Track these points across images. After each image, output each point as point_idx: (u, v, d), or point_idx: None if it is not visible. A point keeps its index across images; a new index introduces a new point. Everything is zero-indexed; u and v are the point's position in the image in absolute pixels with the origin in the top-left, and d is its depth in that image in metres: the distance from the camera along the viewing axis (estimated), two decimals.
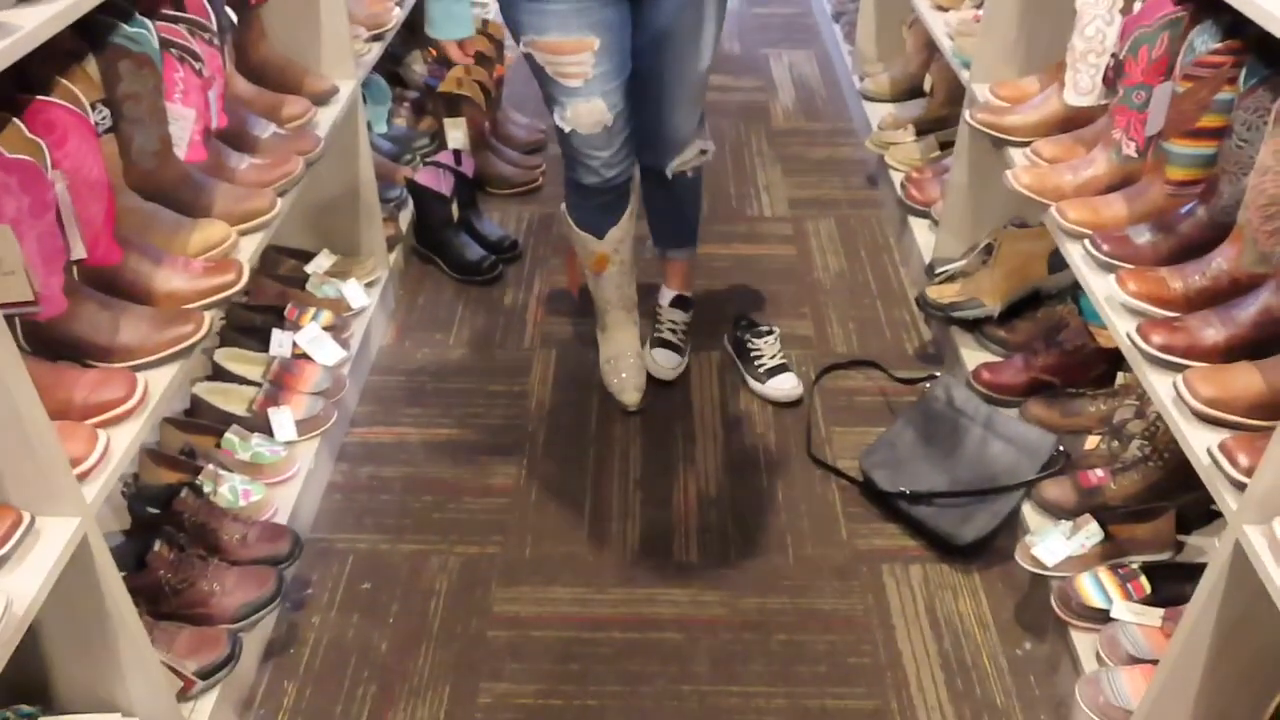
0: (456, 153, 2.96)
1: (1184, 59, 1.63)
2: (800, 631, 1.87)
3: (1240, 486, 1.30)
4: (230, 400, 2.13)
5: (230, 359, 2.20)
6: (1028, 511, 1.98)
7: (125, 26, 1.53)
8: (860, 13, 3.72)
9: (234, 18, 1.99)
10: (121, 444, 1.38)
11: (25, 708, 1.41)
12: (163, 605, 1.68)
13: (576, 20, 1.88)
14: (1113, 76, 1.85)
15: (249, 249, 1.77)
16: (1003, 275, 2.30)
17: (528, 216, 3.13)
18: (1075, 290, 2.20)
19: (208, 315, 1.56)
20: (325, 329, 2.32)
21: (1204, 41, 1.59)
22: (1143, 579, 1.72)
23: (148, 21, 1.56)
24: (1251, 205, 1.45)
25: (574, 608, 1.92)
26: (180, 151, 1.71)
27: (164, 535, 1.70)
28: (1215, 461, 1.34)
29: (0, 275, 1.22)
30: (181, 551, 1.72)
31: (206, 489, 1.90)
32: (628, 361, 2.40)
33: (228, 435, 2.02)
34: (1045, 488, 1.96)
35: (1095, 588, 1.73)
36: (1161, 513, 1.79)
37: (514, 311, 2.72)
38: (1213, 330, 1.49)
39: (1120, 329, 1.60)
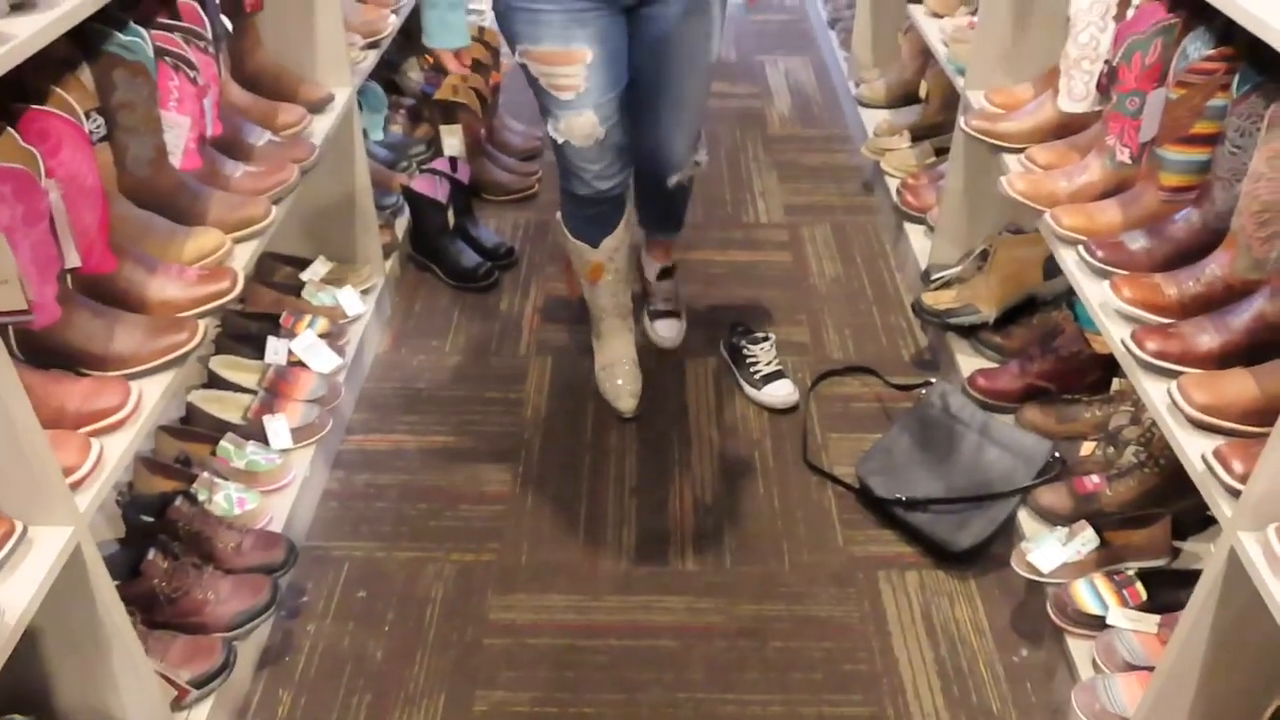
0: (452, 160, 2.97)
1: (1177, 65, 1.63)
2: (796, 638, 1.87)
3: (1235, 493, 1.30)
4: (225, 408, 2.12)
5: (225, 366, 2.20)
6: (1024, 518, 1.98)
7: (120, 35, 1.53)
8: (856, 19, 3.73)
9: (229, 26, 1.99)
10: (115, 453, 1.38)
11: (18, 718, 1.40)
12: (157, 614, 1.67)
13: (571, 32, 1.88)
14: (1106, 83, 1.85)
15: (243, 257, 1.77)
16: (998, 281, 2.30)
17: (524, 223, 3.13)
18: (1070, 296, 2.20)
19: (202, 323, 1.56)
20: (321, 336, 2.32)
21: (1197, 48, 1.59)
22: (1139, 585, 1.72)
23: (142, 30, 1.56)
24: (1245, 211, 1.45)
25: (570, 615, 1.91)
26: (175, 159, 1.71)
27: (158, 544, 1.70)
28: (1210, 468, 1.34)
29: None
30: (176, 560, 1.71)
31: (201, 497, 1.89)
32: (623, 368, 2.40)
33: (223, 443, 2.01)
34: (1041, 494, 1.96)
35: (1091, 594, 1.73)
36: (1157, 519, 1.79)
37: (510, 318, 2.72)
38: (1207, 336, 1.49)
39: (1115, 335, 1.60)
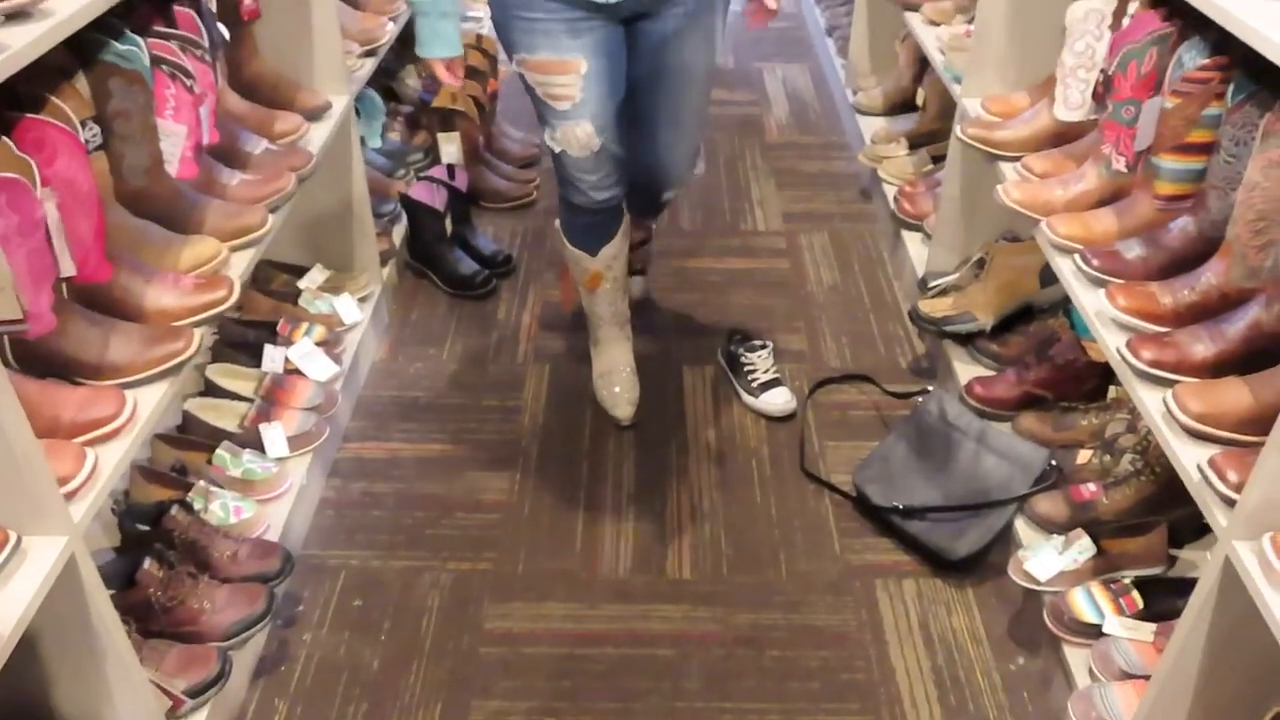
0: (450, 167, 2.97)
1: (1172, 74, 1.64)
2: (793, 647, 1.86)
3: (1230, 503, 1.30)
4: (222, 416, 2.12)
5: (222, 374, 2.20)
6: (1020, 526, 1.98)
7: (116, 44, 1.53)
8: (853, 27, 3.74)
9: (226, 34, 1.99)
10: (110, 462, 1.38)
11: None
12: (152, 623, 1.67)
13: (568, 42, 1.88)
14: (1102, 92, 1.85)
15: (240, 265, 1.77)
16: (995, 289, 2.30)
17: (521, 231, 3.13)
18: (1067, 304, 2.20)
19: (198, 332, 1.56)
20: (318, 344, 2.32)
21: (1192, 57, 1.59)
22: (1135, 594, 1.72)
23: (138, 39, 1.57)
24: (1240, 220, 1.45)
25: (567, 624, 1.91)
26: (171, 168, 1.71)
27: (154, 552, 1.70)
28: (1205, 477, 1.34)
29: None
30: (171, 569, 1.71)
31: (197, 506, 1.89)
32: (621, 376, 2.40)
33: (219, 451, 2.01)
34: (1038, 502, 1.96)
35: (1088, 603, 1.73)
36: (1154, 527, 1.79)
37: (507, 326, 2.72)
38: (1202, 345, 1.49)
39: (1110, 344, 1.60)
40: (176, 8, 1.73)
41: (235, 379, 2.20)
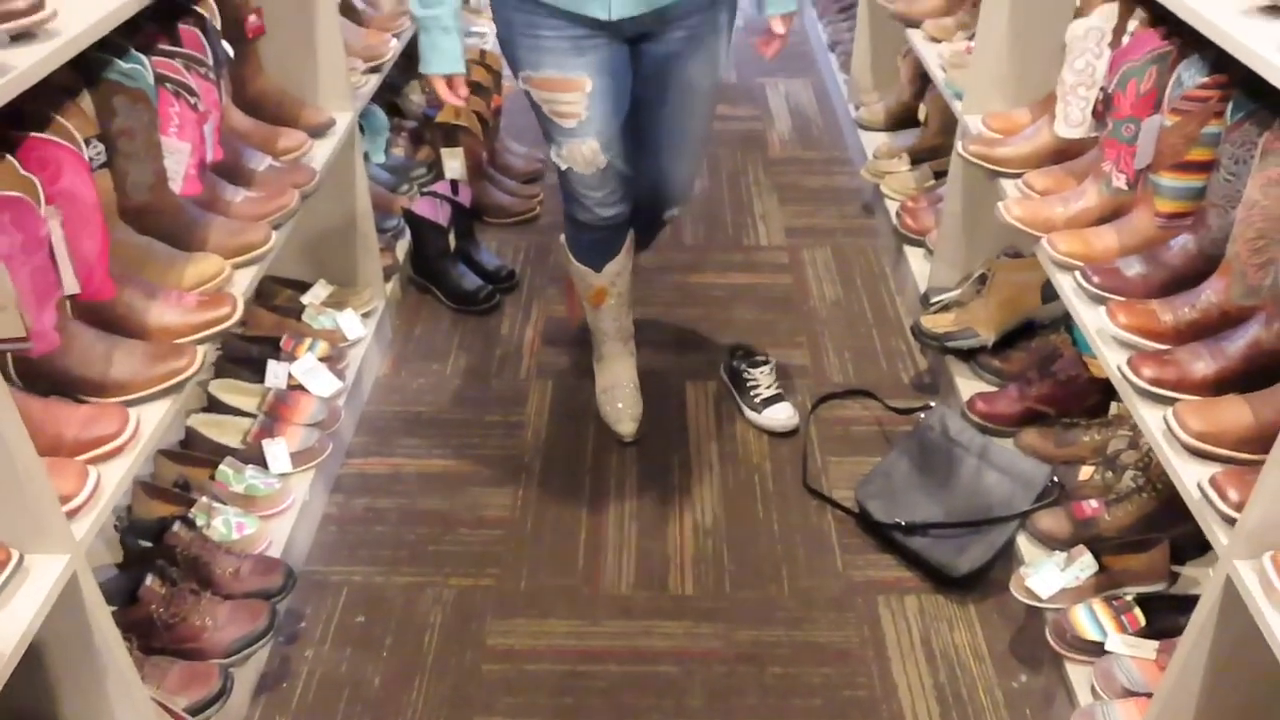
0: (454, 183, 2.98)
1: (1172, 93, 1.64)
2: (795, 664, 1.86)
3: (1230, 521, 1.30)
4: (225, 432, 2.13)
5: (225, 390, 2.20)
6: (1023, 542, 1.98)
7: (120, 62, 1.54)
8: (855, 43, 3.75)
9: (230, 51, 2.00)
10: (112, 480, 1.38)
11: None
12: (154, 640, 1.67)
13: (573, 60, 1.88)
14: (1102, 109, 1.86)
15: (243, 282, 1.78)
16: (997, 305, 2.30)
17: (525, 246, 3.14)
18: (1069, 320, 2.20)
19: (201, 350, 1.56)
20: (321, 360, 2.32)
21: (1191, 75, 1.60)
22: (1137, 611, 1.71)
23: (143, 57, 1.58)
24: (1239, 238, 1.46)
25: (569, 641, 1.91)
26: (175, 185, 1.72)
27: (156, 569, 1.70)
28: (1205, 496, 1.34)
29: None
30: (174, 585, 1.71)
31: (200, 522, 1.89)
32: (624, 391, 2.40)
33: (222, 467, 2.01)
34: (1040, 519, 1.96)
35: (1090, 620, 1.73)
36: (1156, 544, 1.79)
37: (511, 342, 2.72)
38: (1202, 363, 1.49)
39: (1111, 361, 1.60)
40: (181, 26, 1.74)
41: (238, 394, 2.21)
